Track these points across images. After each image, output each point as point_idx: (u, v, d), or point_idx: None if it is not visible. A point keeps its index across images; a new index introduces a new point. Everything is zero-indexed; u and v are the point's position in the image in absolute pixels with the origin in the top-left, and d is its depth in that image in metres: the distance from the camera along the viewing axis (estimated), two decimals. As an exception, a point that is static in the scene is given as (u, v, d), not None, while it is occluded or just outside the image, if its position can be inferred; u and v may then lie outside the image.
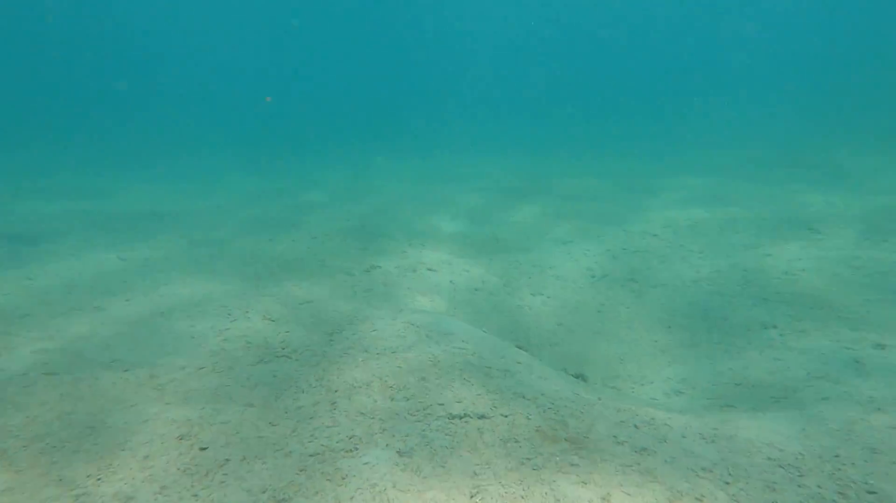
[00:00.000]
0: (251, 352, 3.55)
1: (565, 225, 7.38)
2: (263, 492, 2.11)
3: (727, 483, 2.17)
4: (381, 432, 2.57)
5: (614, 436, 2.62)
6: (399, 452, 2.41)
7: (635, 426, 2.75)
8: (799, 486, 2.12)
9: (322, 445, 2.43)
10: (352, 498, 2.06)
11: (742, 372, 4.00)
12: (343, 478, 2.20)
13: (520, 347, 4.43)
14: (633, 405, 3.21)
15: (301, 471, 2.25)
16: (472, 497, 2.09)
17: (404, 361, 3.37)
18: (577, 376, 4.16)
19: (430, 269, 5.49)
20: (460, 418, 2.77)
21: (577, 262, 6.03)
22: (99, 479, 2.17)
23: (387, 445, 2.46)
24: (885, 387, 3.14)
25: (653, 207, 8.21)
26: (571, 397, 3.24)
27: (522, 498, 2.08)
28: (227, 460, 2.28)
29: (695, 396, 3.72)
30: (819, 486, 2.10)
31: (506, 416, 2.80)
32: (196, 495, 2.08)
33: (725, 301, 5.00)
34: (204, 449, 2.35)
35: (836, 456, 2.31)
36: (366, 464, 2.30)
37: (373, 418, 2.71)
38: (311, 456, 2.35)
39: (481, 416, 2.80)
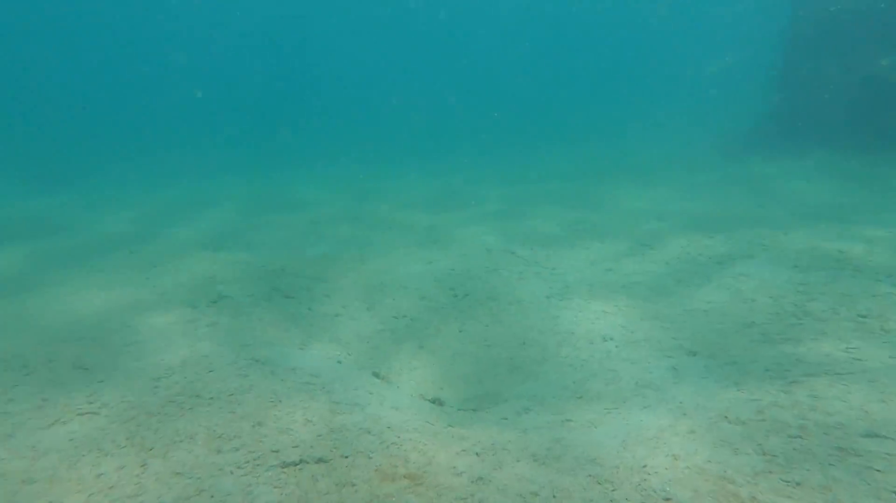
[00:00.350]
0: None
1: (427, 241, 7.48)
2: None
3: (550, 506, 2.26)
4: (196, 494, 2.29)
5: (454, 468, 2.61)
6: (215, 517, 2.16)
7: (476, 454, 2.77)
8: (611, 501, 2.27)
9: (118, 521, 2.09)
10: (143, 585, 1.78)
11: (583, 384, 4.29)
12: (138, 560, 1.90)
13: (377, 375, 4.33)
14: (478, 430, 3.26)
15: (84, 558, 1.90)
16: (289, 561, 1.92)
17: (239, 405, 3.08)
18: (433, 401, 4.16)
19: (287, 297, 5.18)
20: (295, 465, 2.58)
21: (441, 283, 6.12)
22: None
23: (202, 510, 2.19)
24: (691, 393, 3.55)
25: (508, 218, 8.67)
26: (419, 427, 3.20)
27: (345, 553, 1.96)
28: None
29: (540, 412, 3.90)
30: (626, 499, 2.26)
31: (346, 457, 2.67)
32: None
33: (572, 315, 5.37)
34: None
35: (644, 466, 2.52)
36: (170, 537, 2.02)
37: (190, 478, 2.41)
38: (100, 537, 2.00)
39: (319, 460, 2.64)
